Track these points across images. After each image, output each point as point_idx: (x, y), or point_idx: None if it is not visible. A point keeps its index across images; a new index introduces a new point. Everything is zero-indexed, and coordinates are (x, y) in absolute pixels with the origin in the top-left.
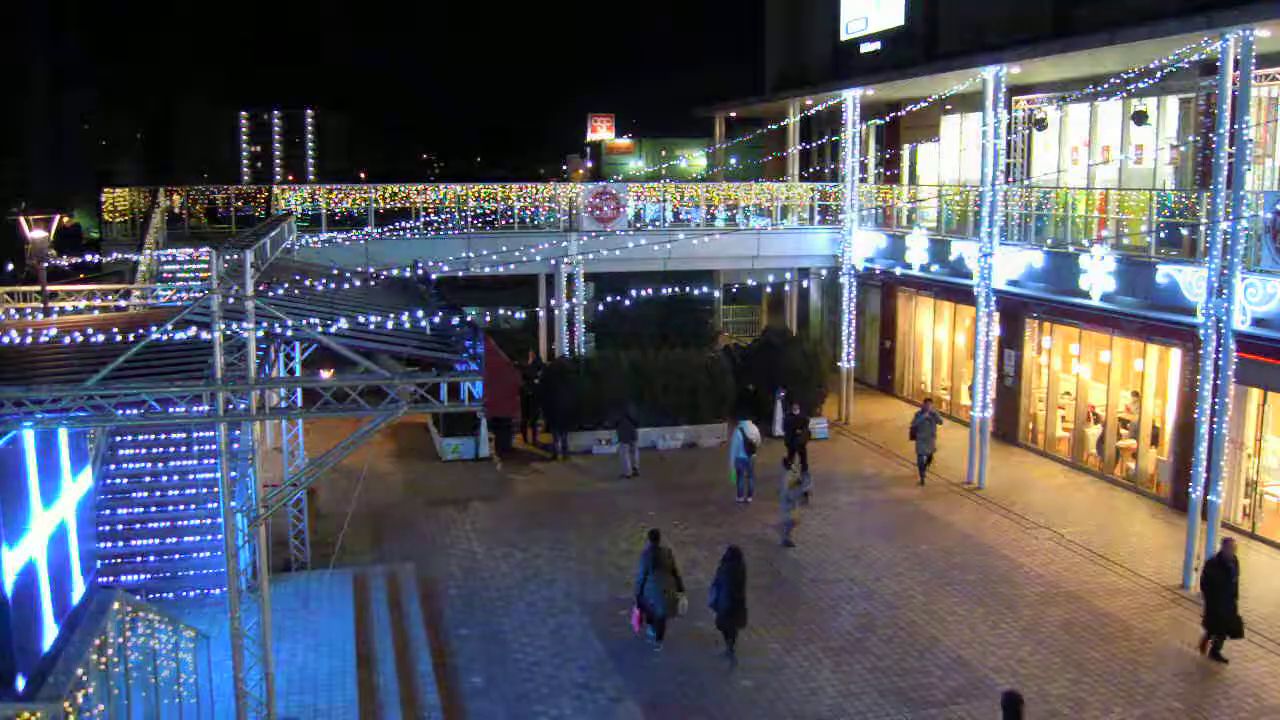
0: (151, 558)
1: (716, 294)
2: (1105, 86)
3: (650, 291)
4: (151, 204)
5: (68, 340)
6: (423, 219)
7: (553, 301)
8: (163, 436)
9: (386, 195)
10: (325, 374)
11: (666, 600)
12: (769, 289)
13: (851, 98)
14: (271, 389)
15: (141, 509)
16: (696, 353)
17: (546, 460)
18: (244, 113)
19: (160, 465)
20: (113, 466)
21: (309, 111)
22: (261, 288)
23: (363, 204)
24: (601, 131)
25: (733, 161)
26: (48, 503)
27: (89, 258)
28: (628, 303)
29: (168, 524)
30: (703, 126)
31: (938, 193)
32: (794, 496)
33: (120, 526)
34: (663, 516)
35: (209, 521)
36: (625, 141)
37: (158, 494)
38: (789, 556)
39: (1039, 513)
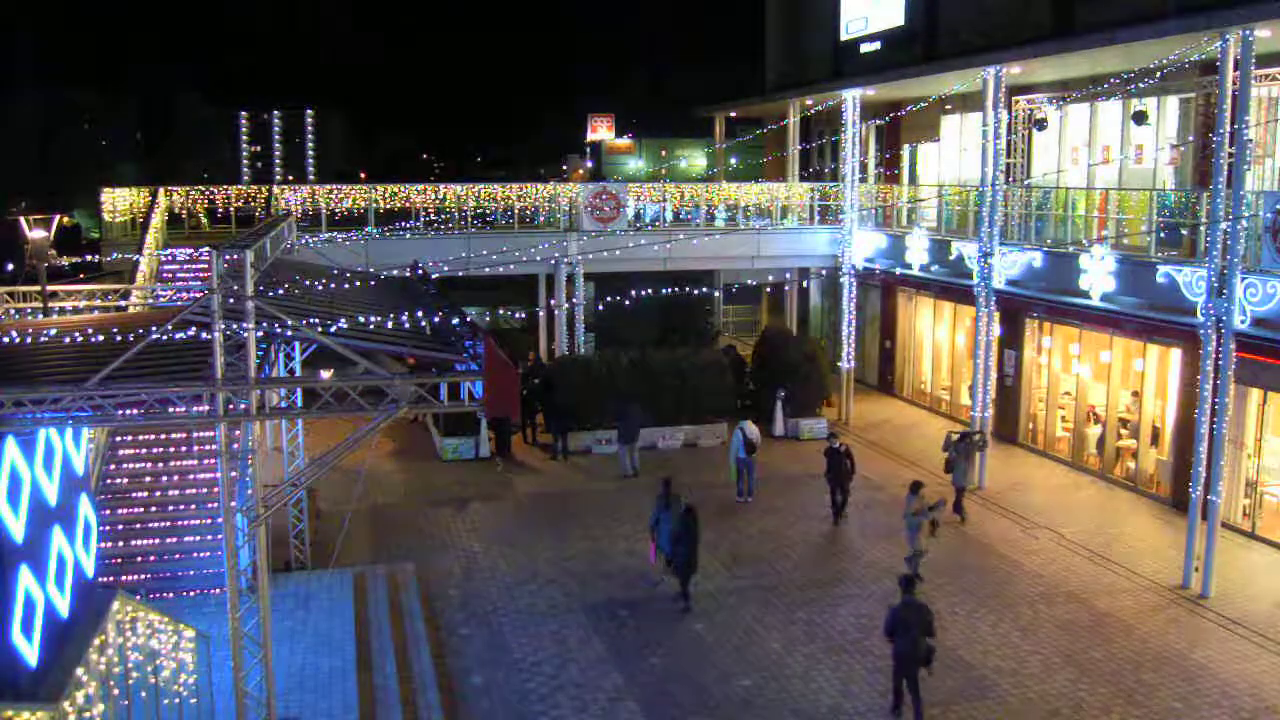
0: (151, 558)
1: (716, 294)
2: (1105, 86)
3: (650, 291)
4: (151, 204)
5: (68, 340)
6: (423, 219)
7: (553, 301)
8: (163, 436)
9: (386, 195)
10: (325, 374)
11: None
12: (769, 289)
13: (851, 98)
14: (271, 389)
15: (141, 509)
16: (696, 353)
17: (546, 460)
18: (244, 113)
19: (160, 465)
20: (113, 466)
21: (309, 111)
22: (261, 288)
23: (363, 204)
24: (601, 131)
25: (733, 161)
26: (48, 501)
27: (89, 258)
28: (628, 303)
29: (168, 524)
30: (703, 126)
31: (938, 193)
32: (920, 523)
33: (120, 526)
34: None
35: (209, 521)
36: (625, 141)
37: (158, 494)
38: (790, 558)
39: (1039, 513)
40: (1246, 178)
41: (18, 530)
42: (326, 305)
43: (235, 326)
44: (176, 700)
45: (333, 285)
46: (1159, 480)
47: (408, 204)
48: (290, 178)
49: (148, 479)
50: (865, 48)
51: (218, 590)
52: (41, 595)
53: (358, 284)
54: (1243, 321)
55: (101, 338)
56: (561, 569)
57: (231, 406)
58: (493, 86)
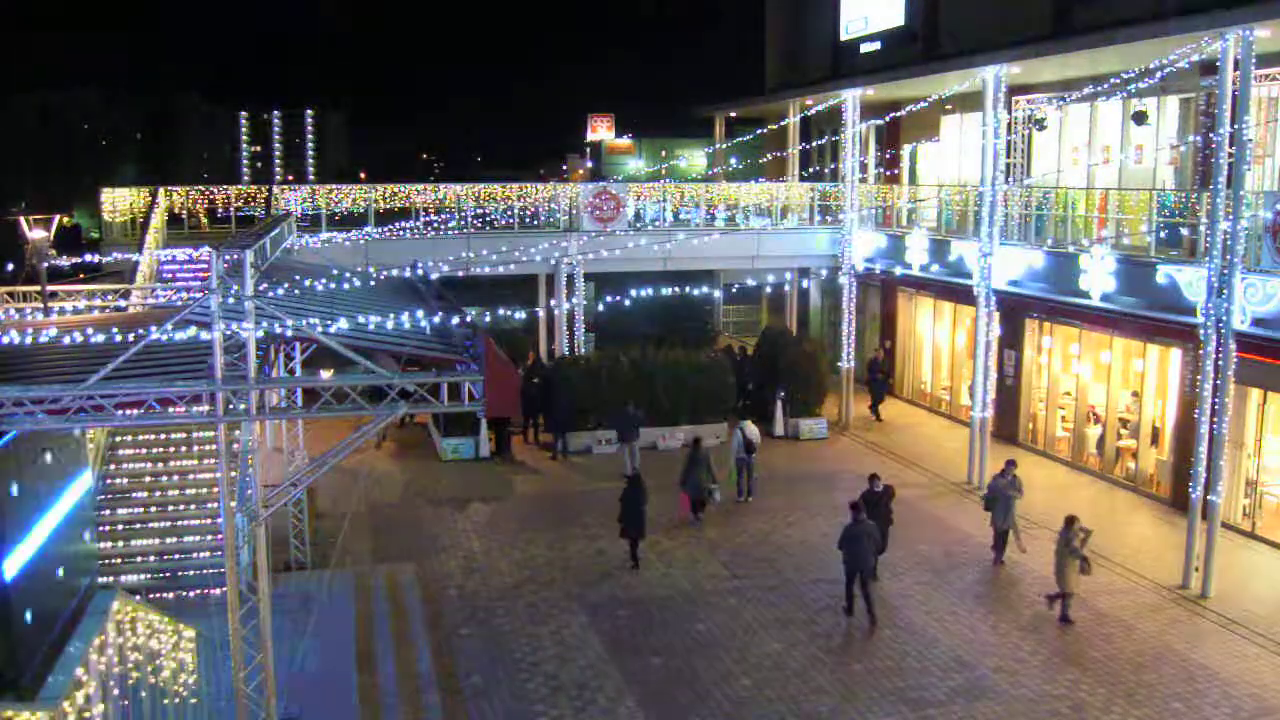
0: (151, 558)
1: (716, 294)
2: (1105, 86)
3: (650, 291)
4: (151, 204)
5: (68, 340)
6: (423, 219)
7: (553, 301)
8: (163, 436)
9: (386, 195)
10: (325, 374)
11: (702, 488)
12: (769, 289)
13: (851, 98)
14: (271, 389)
15: (141, 509)
16: (696, 353)
17: (546, 460)
18: (244, 113)
19: (160, 465)
20: (113, 466)
21: (309, 111)
22: (262, 288)
23: (363, 204)
24: (601, 131)
25: (733, 161)
26: (48, 502)
27: (89, 258)
28: (628, 303)
29: (168, 524)
30: (703, 126)
31: (938, 193)
32: (1070, 559)
33: (120, 526)
34: (663, 516)
35: (209, 521)
36: (625, 141)
37: (158, 494)
38: (787, 557)
39: (1039, 513)
40: (1246, 178)
41: (19, 529)
42: (326, 305)
43: (235, 326)
44: (176, 700)
45: (333, 285)
46: (1159, 480)
47: (408, 204)
48: (290, 178)
49: (148, 479)
50: (865, 48)
51: (218, 590)
52: (40, 597)
53: (358, 284)
54: (1243, 321)
55: (101, 338)
56: (561, 569)
57: (231, 406)
58: (493, 86)
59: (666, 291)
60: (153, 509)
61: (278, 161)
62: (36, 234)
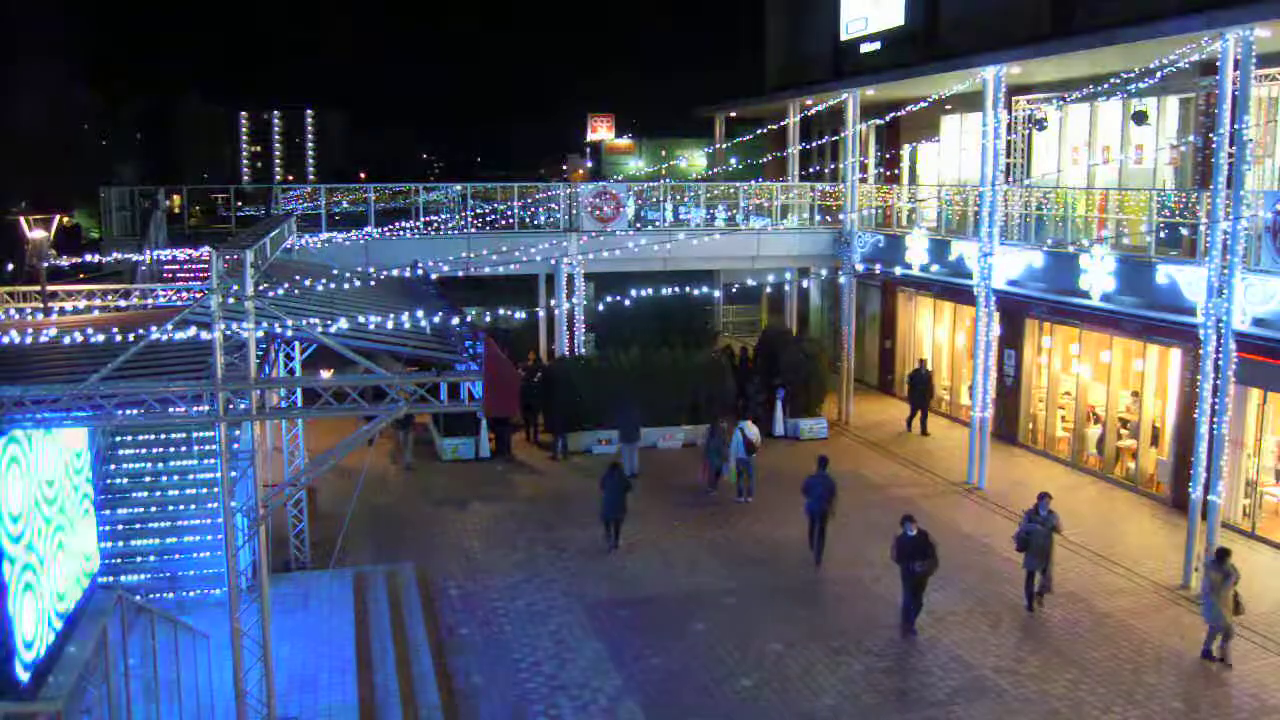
0: (151, 558)
1: (716, 294)
2: (1105, 86)
3: (650, 291)
4: (152, 204)
5: (68, 340)
6: (423, 219)
7: (553, 301)
8: (163, 436)
9: (386, 195)
10: (325, 374)
11: (720, 461)
12: (769, 289)
13: (851, 98)
14: (271, 389)
15: (141, 509)
16: (696, 353)
17: (546, 460)
18: (244, 113)
19: (160, 465)
20: (113, 466)
21: (309, 111)
22: (262, 288)
23: (363, 204)
24: (601, 131)
25: (733, 161)
26: (47, 501)
27: (89, 258)
28: (628, 303)
29: (168, 524)
30: (703, 126)
31: (937, 193)
32: (1222, 594)
33: (120, 526)
34: (663, 516)
35: (209, 521)
36: (625, 141)
37: (158, 494)
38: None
39: None
40: (1246, 178)
41: (16, 532)
42: (326, 305)
43: (235, 326)
44: (176, 700)
45: (333, 285)
46: (1159, 480)
47: (408, 204)
48: (290, 178)
49: (148, 479)
50: (865, 48)
51: (218, 590)
52: (40, 597)
53: (358, 284)
54: (1242, 321)
55: (101, 338)
56: (561, 569)
57: (231, 406)
58: (493, 86)
59: (666, 291)
60: (153, 509)
61: (278, 161)
62: (36, 234)
